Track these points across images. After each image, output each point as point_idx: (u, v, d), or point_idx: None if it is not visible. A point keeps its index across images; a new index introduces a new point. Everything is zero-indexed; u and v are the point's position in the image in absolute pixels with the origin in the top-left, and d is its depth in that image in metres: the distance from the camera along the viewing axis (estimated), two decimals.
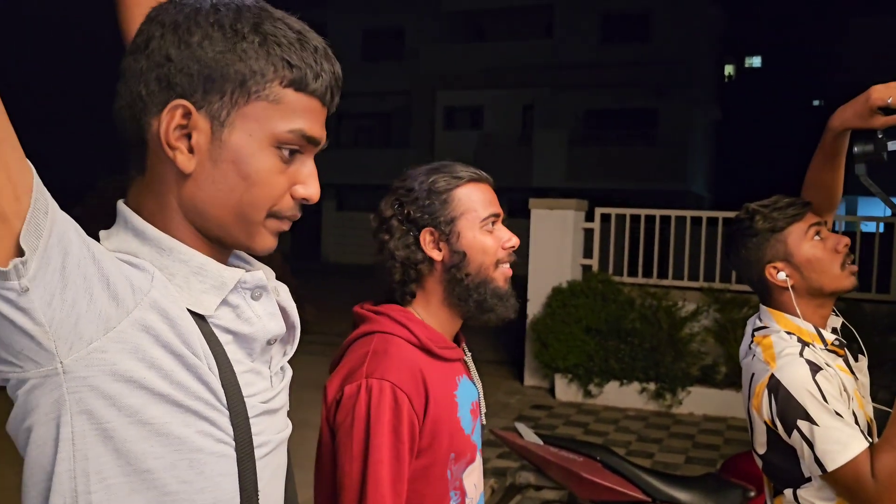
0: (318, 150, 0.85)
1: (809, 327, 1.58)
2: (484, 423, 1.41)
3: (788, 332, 1.57)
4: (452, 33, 21.01)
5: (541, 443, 2.99)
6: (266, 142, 0.79)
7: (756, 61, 21.65)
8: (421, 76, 20.77)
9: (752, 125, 22.66)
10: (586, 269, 7.06)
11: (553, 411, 6.29)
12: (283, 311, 0.90)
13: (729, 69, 21.72)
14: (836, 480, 1.41)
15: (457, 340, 1.40)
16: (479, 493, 1.38)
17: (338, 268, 17.69)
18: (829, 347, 1.56)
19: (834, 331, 1.62)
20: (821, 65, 19.71)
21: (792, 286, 1.59)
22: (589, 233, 7.11)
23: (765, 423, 1.52)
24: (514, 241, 1.36)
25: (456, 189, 1.33)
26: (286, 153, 0.81)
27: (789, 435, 1.46)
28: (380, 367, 1.23)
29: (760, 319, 1.65)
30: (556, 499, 3.12)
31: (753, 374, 1.57)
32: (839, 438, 1.39)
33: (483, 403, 1.41)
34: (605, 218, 7.14)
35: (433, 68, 20.58)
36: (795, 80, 20.98)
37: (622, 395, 6.46)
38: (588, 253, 7.10)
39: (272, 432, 0.86)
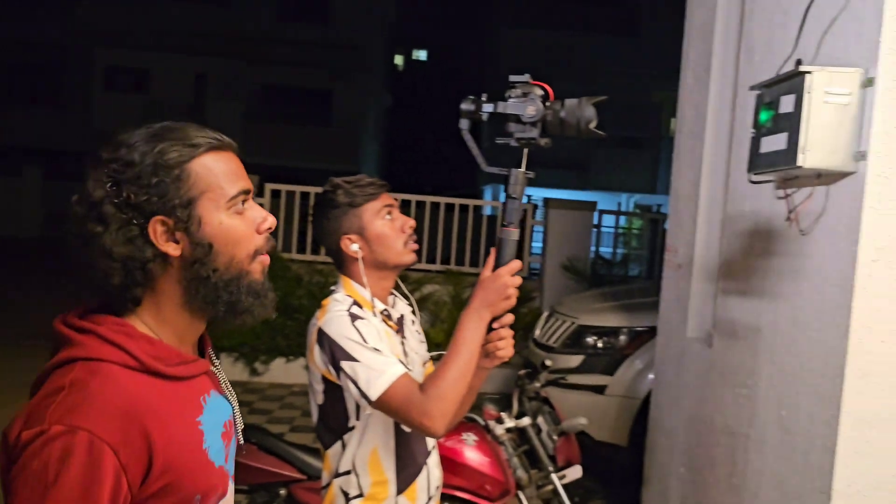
0: None
1: (367, 294, 1.79)
2: (241, 441, 1.19)
3: (348, 296, 1.77)
4: None
5: None
6: None
7: (422, 54, 23.24)
8: (78, 28, 18.47)
9: (418, 113, 24.39)
10: None
11: None
12: None
13: (399, 59, 22.98)
14: (386, 405, 1.58)
15: (201, 348, 1.17)
16: None
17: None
18: (382, 319, 1.78)
19: (390, 316, 1.83)
20: (476, 63, 21.89)
21: (362, 258, 1.78)
22: None
23: (321, 374, 1.71)
24: (271, 221, 1.12)
25: (192, 161, 1.04)
26: None
27: (339, 377, 1.64)
28: (74, 411, 0.93)
29: (335, 286, 1.83)
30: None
31: (308, 332, 1.75)
32: (378, 367, 1.59)
33: (239, 420, 1.18)
34: (276, 194, 7.10)
35: (92, 21, 18.44)
36: (455, 74, 23.10)
37: (288, 372, 6.52)
38: None
39: None
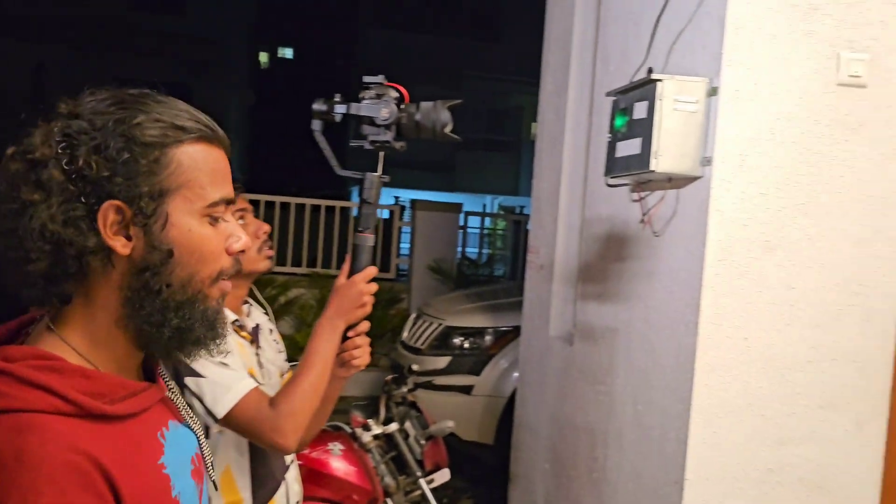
0: None
1: None
2: (214, 477, 0.99)
3: None
4: None
5: None
6: None
7: (288, 52, 22.72)
8: None
9: (284, 112, 23.81)
10: None
11: None
12: None
13: (264, 56, 22.36)
14: (234, 422, 1.51)
15: (148, 371, 0.94)
16: None
17: None
18: (234, 330, 1.70)
19: (243, 326, 1.75)
20: (344, 63, 21.69)
21: None
22: None
23: None
24: (245, 241, 0.92)
25: (175, 147, 0.84)
26: None
27: (183, 395, 1.53)
28: (26, 496, 0.71)
29: None
30: None
31: None
32: (225, 382, 1.51)
33: (207, 451, 0.98)
34: None
35: None
36: (322, 74, 22.80)
37: None
38: None
39: None
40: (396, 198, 11.42)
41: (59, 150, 0.79)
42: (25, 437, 0.73)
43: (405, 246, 8.31)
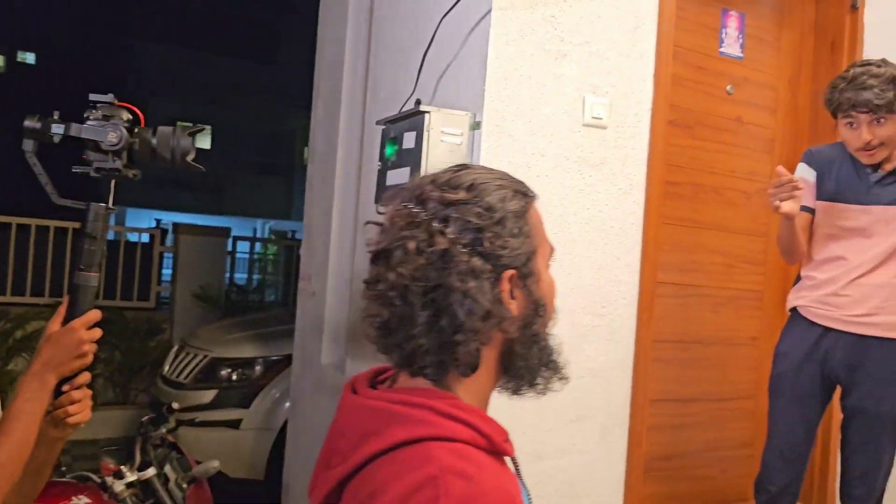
0: None
1: None
2: None
3: None
4: None
5: None
6: None
7: (30, 57, 20.46)
8: None
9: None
10: None
11: None
12: None
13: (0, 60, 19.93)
14: None
15: None
16: None
17: None
18: None
19: None
20: (104, 73, 19.96)
21: None
22: None
23: None
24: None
25: (529, 211, 0.93)
26: None
27: None
28: None
29: None
30: None
31: None
32: None
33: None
34: None
35: None
36: (76, 83, 20.78)
37: None
38: None
39: None
40: (157, 220, 10.67)
41: (461, 236, 0.85)
42: (465, 462, 0.79)
43: (167, 272, 7.77)
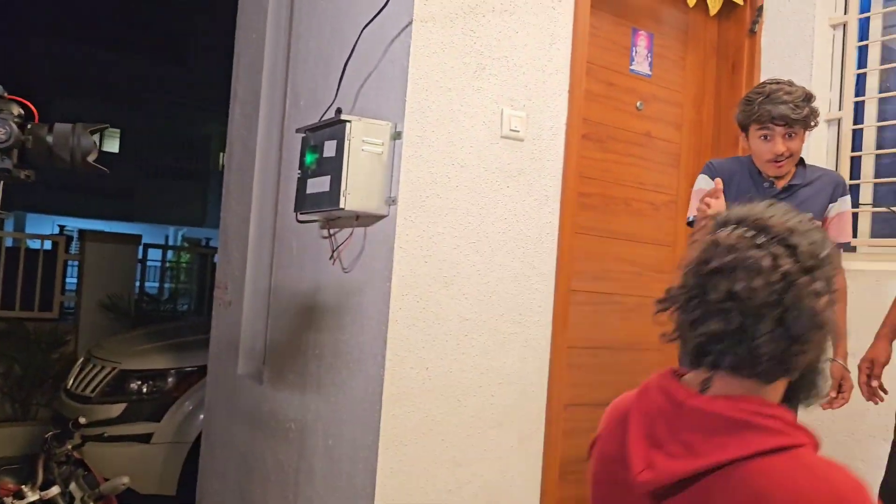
0: None
1: None
2: None
3: None
4: None
5: None
6: None
7: None
8: None
9: None
10: None
11: None
12: None
13: None
14: None
15: None
16: None
17: None
18: None
19: None
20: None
21: None
22: None
23: None
24: None
25: None
26: None
27: None
28: None
29: None
30: None
31: None
32: None
33: None
34: None
35: None
36: None
37: None
38: None
39: None
40: (62, 227, 10.19)
41: (805, 263, 0.93)
42: (835, 471, 0.89)
43: (72, 281, 7.43)
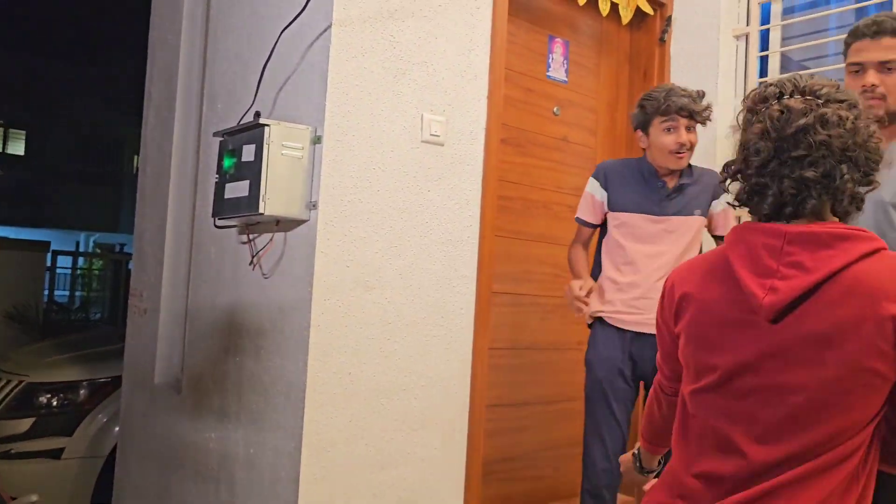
0: None
1: None
2: None
3: None
4: None
5: None
6: None
7: None
8: None
9: None
10: None
11: None
12: None
13: None
14: None
15: None
16: None
17: None
18: None
19: None
20: None
21: None
22: None
23: None
24: None
25: None
26: None
27: None
28: None
29: None
30: None
31: None
32: None
33: None
34: None
35: None
36: None
37: None
38: None
39: None
40: None
41: (853, 113, 1.12)
42: None
43: None
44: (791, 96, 1.13)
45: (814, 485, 1.05)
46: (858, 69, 1.82)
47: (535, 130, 2.99)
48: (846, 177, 1.09)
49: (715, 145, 3.07)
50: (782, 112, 1.11)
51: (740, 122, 1.22)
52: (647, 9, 3.16)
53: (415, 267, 2.38)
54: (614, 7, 3.06)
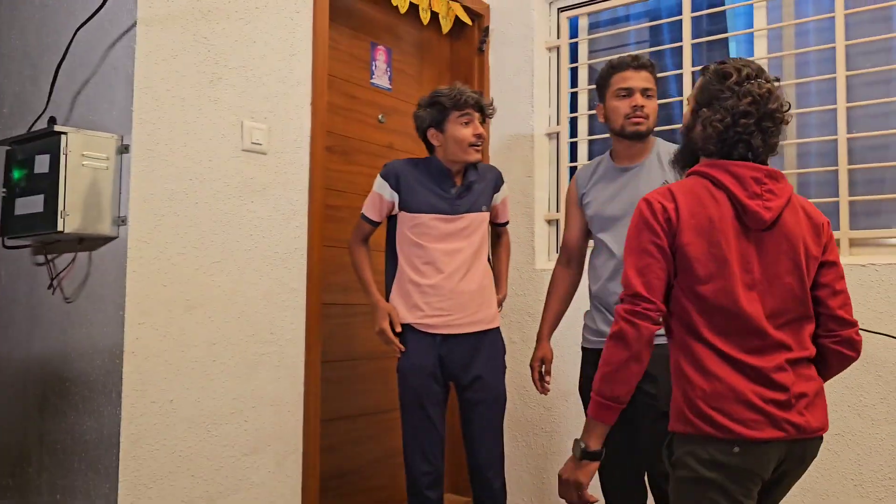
0: None
1: None
2: None
3: None
4: None
5: None
6: None
7: None
8: None
9: None
10: None
11: None
12: None
13: None
14: None
15: None
16: None
17: None
18: None
19: None
20: None
21: None
22: None
23: None
24: None
25: None
26: None
27: None
28: None
29: None
30: None
31: None
32: None
33: None
34: None
35: None
36: None
37: None
38: None
39: None
40: None
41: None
42: None
43: None
44: (757, 77, 1.56)
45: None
46: (626, 93, 2.24)
47: (360, 138, 2.95)
48: (779, 131, 1.58)
49: (533, 143, 3.20)
50: (769, 92, 1.54)
51: (712, 90, 1.57)
52: (466, 19, 3.23)
53: (240, 282, 2.25)
54: (434, 16, 3.10)
